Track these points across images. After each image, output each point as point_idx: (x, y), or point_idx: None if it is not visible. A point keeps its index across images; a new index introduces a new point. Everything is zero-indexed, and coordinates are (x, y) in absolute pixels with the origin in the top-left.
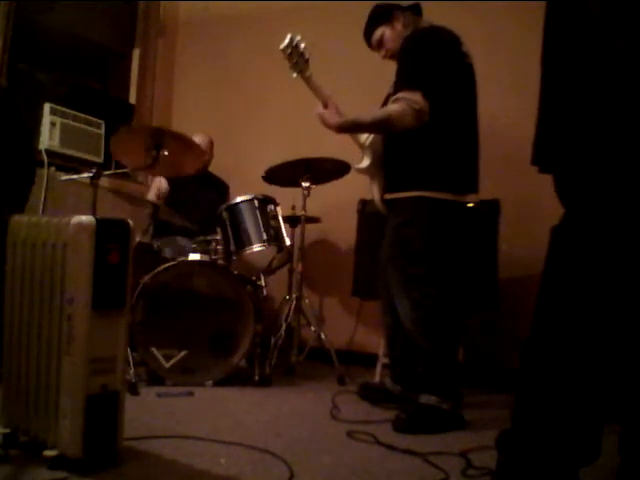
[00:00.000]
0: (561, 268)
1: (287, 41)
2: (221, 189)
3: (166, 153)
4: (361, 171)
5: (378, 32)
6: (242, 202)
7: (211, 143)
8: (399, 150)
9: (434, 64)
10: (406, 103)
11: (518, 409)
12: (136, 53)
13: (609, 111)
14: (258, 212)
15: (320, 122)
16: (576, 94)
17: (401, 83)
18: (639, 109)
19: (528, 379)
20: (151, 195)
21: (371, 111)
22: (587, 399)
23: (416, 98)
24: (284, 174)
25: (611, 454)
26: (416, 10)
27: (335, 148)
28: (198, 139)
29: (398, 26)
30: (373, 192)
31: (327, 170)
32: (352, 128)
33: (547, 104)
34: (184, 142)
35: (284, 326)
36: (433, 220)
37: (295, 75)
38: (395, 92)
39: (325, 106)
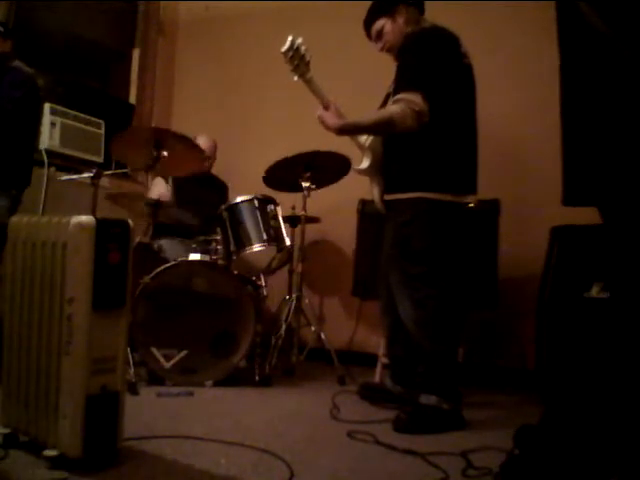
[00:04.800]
0: (620, 287)
1: (288, 44)
2: (221, 189)
3: (166, 154)
4: (361, 172)
5: (379, 23)
6: (242, 202)
7: (215, 145)
8: (399, 151)
9: (434, 65)
10: (406, 104)
11: (549, 411)
12: (136, 53)
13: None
14: (258, 212)
15: (321, 124)
16: (609, 122)
17: (401, 84)
18: None
19: (565, 385)
20: (153, 194)
21: (371, 113)
22: (620, 416)
23: (417, 99)
24: (284, 175)
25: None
26: (420, 7)
27: (335, 149)
28: (202, 141)
29: (400, 20)
30: (373, 193)
31: (328, 167)
32: (352, 130)
33: (573, 136)
34: (186, 144)
35: (284, 326)
36: (433, 220)
37: (296, 78)
38: (394, 91)
39: (325, 108)
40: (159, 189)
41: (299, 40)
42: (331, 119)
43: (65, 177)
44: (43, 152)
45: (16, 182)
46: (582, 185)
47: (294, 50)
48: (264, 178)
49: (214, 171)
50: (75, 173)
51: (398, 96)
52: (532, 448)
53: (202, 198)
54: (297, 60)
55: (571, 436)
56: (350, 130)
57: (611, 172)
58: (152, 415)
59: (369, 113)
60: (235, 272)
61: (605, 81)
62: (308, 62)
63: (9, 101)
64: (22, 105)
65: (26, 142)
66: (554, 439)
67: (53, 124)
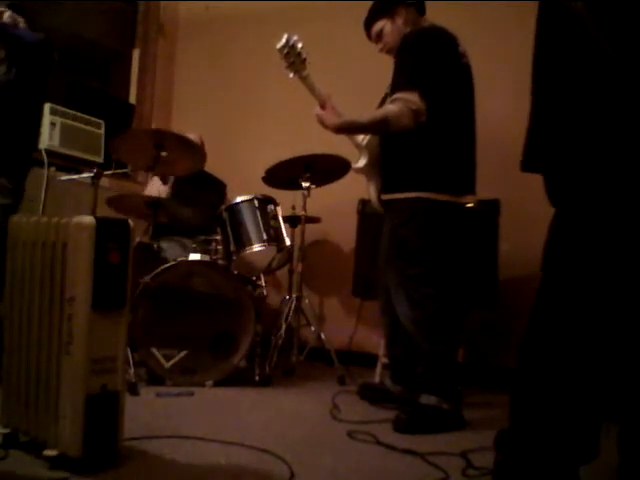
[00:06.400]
0: (553, 268)
1: (284, 41)
2: (218, 188)
3: (165, 154)
4: (358, 171)
5: (378, 24)
6: (242, 202)
7: (202, 142)
8: (396, 151)
9: (432, 64)
10: (403, 103)
11: (515, 408)
12: (136, 53)
13: (600, 115)
14: (258, 212)
15: (318, 122)
16: (567, 98)
17: (399, 83)
18: (629, 112)
19: (525, 378)
20: (151, 190)
21: (369, 112)
22: (584, 397)
23: (413, 98)
24: (284, 174)
25: (611, 454)
26: (420, 8)
27: (335, 148)
28: (191, 137)
29: (399, 21)
30: (370, 192)
31: (327, 169)
32: (350, 129)
33: (538, 109)
34: (184, 143)
35: (284, 326)
36: (430, 220)
37: (292, 75)
38: (392, 91)
39: (323, 106)
40: (155, 188)
41: (295, 37)
42: (329, 118)
43: (65, 177)
44: (43, 152)
45: (17, 169)
46: (539, 153)
47: (289, 47)
48: (264, 177)
49: (211, 170)
50: (75, 173)
51: (395, 95)
52: (512, 450)
53: (199, 197)
54: (293, 57)
55: (543, 429)
56: (348, 128)
57: (563, 144)
58: (152, 415)
59: (367, 112)
60: (235, 272)
61: (577, 61)
62: (304, 59)
63: (34, 40)
64: (45, 48)
65: (38, 104)
66: (528, 436)
67: (53, 124)
